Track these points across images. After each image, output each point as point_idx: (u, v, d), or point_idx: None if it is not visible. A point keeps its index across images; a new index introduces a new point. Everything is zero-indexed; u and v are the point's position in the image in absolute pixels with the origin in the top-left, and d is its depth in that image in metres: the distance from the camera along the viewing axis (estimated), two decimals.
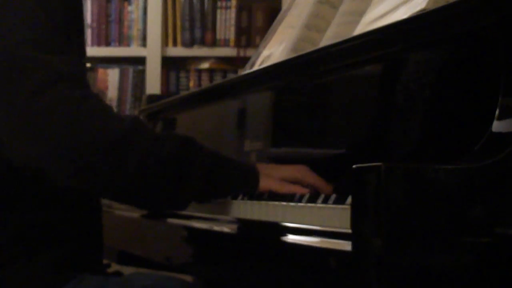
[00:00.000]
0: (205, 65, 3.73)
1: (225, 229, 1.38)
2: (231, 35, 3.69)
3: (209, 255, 1.47)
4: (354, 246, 0.97)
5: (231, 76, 3.57)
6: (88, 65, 3.71)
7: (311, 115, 1.50)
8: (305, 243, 1.12)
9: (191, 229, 1.51)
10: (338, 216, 1.10)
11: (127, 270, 1.76)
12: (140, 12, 3.74)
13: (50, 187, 1.32)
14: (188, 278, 1.86)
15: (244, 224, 1.34)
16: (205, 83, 3.71)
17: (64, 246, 1.38)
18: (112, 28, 3.78)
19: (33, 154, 1.26)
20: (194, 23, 3.72)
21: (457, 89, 1.14)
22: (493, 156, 0.98)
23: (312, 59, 1.49)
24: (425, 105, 1.21)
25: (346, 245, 0.99)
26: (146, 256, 1.83)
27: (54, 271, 1.36)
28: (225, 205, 1.43)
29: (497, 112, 1.03)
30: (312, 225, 1.14)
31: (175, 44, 3.72)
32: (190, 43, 3.71)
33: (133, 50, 3.76)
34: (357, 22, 1.53)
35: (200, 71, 3.74)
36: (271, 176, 1.38)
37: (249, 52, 3.53)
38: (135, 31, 3.75)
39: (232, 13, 3.70)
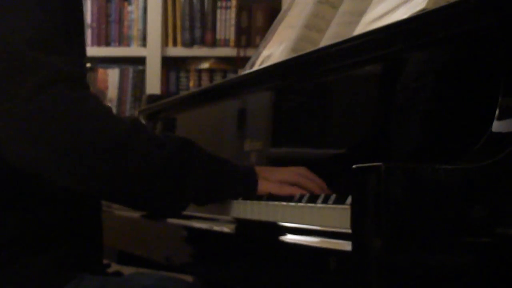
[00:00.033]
0: (205, 65, 3.73)
1: (225, 229, 1.38)
2: (231, 35, 3.69)
3: (209, 255, 1.47)
4: (354, 246, 0.97)
5: (231, 76, 3.57)
6: (88, 65, 3.71)
7: (311, 115, 1.50)
8: (305, 243, 1.12)
9: (191, 229, 1.51)
10: (338, 216, 1.10)
11: (127, 270, 1.76)
12: (140, 12, 3.74)
13: (50, 187, 1.32)
14: (188, 278, 1.86)
15: (244, 224, 1.34)
16: (205, 83, 3.71)
17: (64, 246, 1.38)
18: (112, 28, 3.78)
19: (32, 155, 1.26)
20: (194, 23, 3.72)
21: (457, 89, 1.14)
22: (493, 156, 0.98)
23: (312, 59, 1.49)
24: (425, 105, 1.21)
25: (346, 245, 0.99)
26: (146, 256, 1.83)
27: (54, 271, 1.36)
28: (225, 205, 1.43)
29: (497, 112, 1.03)
30: (312, 225, 1.14)
31: (175, 44, 3.72)
32: (190, 43, 3.71)
33: (133, 50, 3.75)
34: (357, 22, 1.53)
35: (200, 71, 3.74)
36: (270, 179, 1.38)
37: (249, 52, 3.53)
38: (135, 31, 3.75)
39: (232, 13, 3.70)
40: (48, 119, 1.23)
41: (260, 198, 1.37)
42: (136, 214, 1.78)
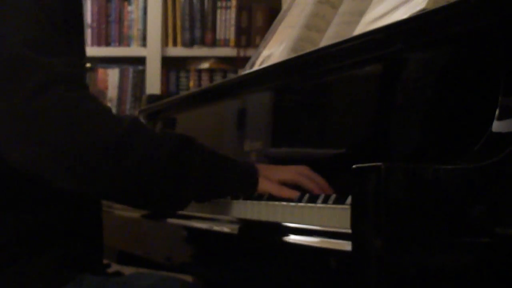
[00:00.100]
0: (205, 65, 3.73)
1: (225, 229, 1.38)
2: (231, 35, 3.69)
3: (209, 255, 1.47)
4: (354, 246, 0.97)
5: (231, 76, 3.57)
6: (88, 65, 3.71)
7: (311, 115, 1.50)
8: (305, 243, 1.12)
9: (191, 229, 1.51)
10: (338, 216, 1.10)
11: (127, 270, 1.76)
12: (140, 12, 3.74)
13: (50, 187, 1.32)
14: (188, 278, 1.86)
15: (244, 224, 1.34)
16: (205, 83, 3.71)
17: (64, 246, 1.38)
18: (112, 28, 3.78)
19: (32, 157, 1.26)
20: (194, 23, 3.72)
21: (457, 89, 1.14)
22: (493, 156, 0.98)
23: (312, 59, 1.49)
24: (425, 105, 1.21)
25: (346, 245, 0.99)
26: (146, 256, 1.83)
27: (54, 272, 1.36)
28: (225, 205, 1.43)
29: (497, 112, 1.03)
30: (312, 225, 1.14)
31: (175, 44, 3.72)
32: (190, 43, 3.71)
33: (133, 50, 3.75)
34: (357, 22, 1.53)
35: (200, 71, 3.74)
36: (270, 179, 1.37)
37: (249, 52, 3.53)
38: (135, 31, 3.75)
39: (232, 13, 3.70)
40: (47, 120, 1.23)
41: (260, 198, 1.37)
42: (136, 214, 1.78)
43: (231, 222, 1.38)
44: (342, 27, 1.58)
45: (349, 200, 1.13)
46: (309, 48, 1.63)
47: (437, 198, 0.95)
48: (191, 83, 3.72)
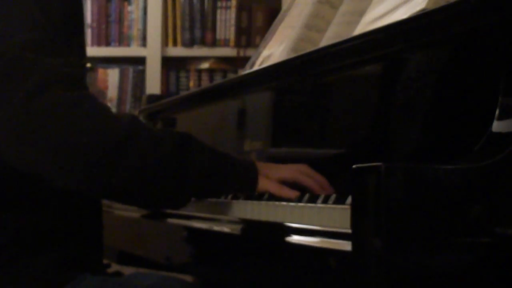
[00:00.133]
0: (205, 65, 3.73)
1: (225, 229, 1.38)
2: (231, 35, 3.69)
3: (209, 255, 1.47)
4: (354, 246, 0.97)
5: (231, 76, 3.57)
6: (88, 65, 3.71)
7: (311, 115, 1.50)
8: (305, 243, 1.12)
9: (191, 229, 1.51)
10: (338, 216, 1.10)
11: (127, 270, 1.76)
12: (140, 12, 3.74)
13: (50, 187, 1.32)
14: (188, 278, 1.86)
15: (244, 224, 1.34)
16: (205, 83, 3.71)
17: (64, 246, 1.38)
18: (112, 28, 3.78)
19: (31, 157, 1.26)
20: (194, 23, 3.72)
21: (457, 89, 1.14)
22: (493, 156, 0.98)
23: (312, 59, 1.49)
24: (425, 105, 1.21)
25: (346, 245, 0.99)
26: (146, 256, 1.83)
27: (54, 271, 1.36)
28: (225, 205, 1.43)
29: (497, 112, 1.03)
30: (312, 225, 1.14)
31: (175, 44, 3.72)
32: (190, 43, 3.71)
33: (133, 50, 3.76)
34: (357, 22, 1.53)
35: (200, 71, 3.74)
36: (270, 177, 1.37)
37: (249, 52, 3.53)
38: (135, 31, 3.75)
39: (232, 13, 3.70)
40: (46, 121, 1.23)
41: (260, 198, 1.37)
42: (136, 214, 1.78)
43: (231, 222, 1.38)
44: (342, 27, 1.58)
45: (349, 200, 1.13)
46: (309, 48, 1.63)
47: (437, 198, 0.95)
48: (191, 83, 3.72)
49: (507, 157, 0.98)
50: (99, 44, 3.76)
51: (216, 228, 1.42)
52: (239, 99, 1.77)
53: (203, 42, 3.71)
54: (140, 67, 3.75)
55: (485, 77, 1.09)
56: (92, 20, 3.77)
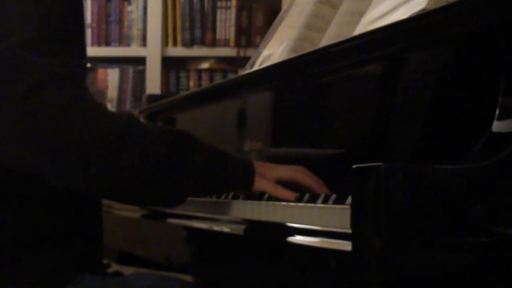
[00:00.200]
0: (205, 65, 3.73)
1: (225, 229, 1.38)
2: (231, 35, 3.70)
3: (209, 255, 1.47)
4: (354, 246, 0.97)
5: (231, 76, 3.57)
6: (88, 65, 3.70)
7: (311, 115, 1.50)
8: (305, 243, 1.12)
9: (191, 229, 1.51)
10: (338, 216, 1.10)
11: (127, 270, 1.76)
12: (140, 12, 3.74)
13: (50, 187, 1.32)
14: (188, 278, 1.86)
15: (244, 224, 1.34)
16: (205, 83, 3.71)
17: (64, 246, 1.38)
18: (112, 28, 3.78)
19: (28, 157, 1.26)
20: (194, 23, 3.72)
21: (457, 89, 1.14)
22: (493, 156, 0.98)
23: (312, 59, 1.49)
24: (425, 105, 1.21)
25: (346, 245, 0.99)
26: (146, 256, 1.83)
27: (54, 271, 1.36)
28: (225, 205, 1.43)
29: (497, 112, 1.03)
30: (312, 225, 1.14)
31: (175, 44, 3.72)
32: (190, 43, 3.71)
33: (133, 50, 3.76)
34: (357, 22, 1.53)
35: (200, 71, 3.74)
36: (267, 177, 1.37)
37: (249, 52, 3.53)
38: (135, 31, 3.75)
39: (232, 13, 3.70)
40: (42, 120, 1.23)
41: (260, 198, 1.37)
42: (136, 214, 1.78)
43: (231, 222, 1.38)
44: (342, 27, 1.58)
45: (349, 200, 1.13)
46: (309, 48, 1.63)
47: (437, 198, 0.95)
48: (191, 83, 3.73)
49: (507, 157, 0.98)
50: (99, 44, 3.76)
51: (216, 228, 1.42)
52: (239, 99, 1.77)
53: (203, 42, 3.71)
54: (140, 67, 3.75)
55: (485, 77, 1.09)
56: (92, 20, 3.77)
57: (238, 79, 1.88)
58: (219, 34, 3.71)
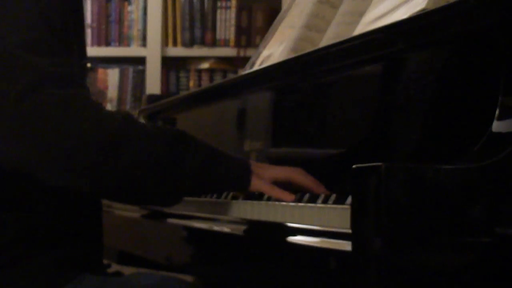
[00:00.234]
0: (205, 65, 3.73)
1: (225, 229, 1.38)
2: (231, 35, 3.70)
3: (209, 255, 1.47)
4: (354, 246, 0.97)
5: (231, 76, 3.57)
6: (88, 65, 3.71)
7: (311, 115, 1.50)
8: (305, 243, 1.12)
9: (191, 229, 1.51)
10: (338, 216, 1.10)
11: (127, 270, 1.76)
12: (140, 12, 3.74)
13: (50, 187, 1.32)
14: (188, 278, 1.86)
15: (244, 224, 1.34)
16: (205, 83, 3.71)
17: (64, 246, 1.38)
18: (112, 28, 3.78)
19: (24, 156, 1.26)
20: (194, 23, 3.72)
21: (457, 89, 1.14)
22: (493, 156, 0.98)
23: (312, 59, 1.49)
24: (425, 105, 1.21)
25: (346, 245, 0.99)
26: (146, 256, 1.83)
27: (54, 271, 1.36)
28: (225, 205, 1.43)
29: (497, 112, 1.03)
30: (312, 225, 1.14)
31: (175, 44, 3.72)
32: (190, 43, 3.71)
33: (133, 50, 3.76)
34: (357, 22, 1.53)
35: (200, 71, 3.74)
36: (263, 177, 1.37)
37: (249, 52, 3.53)
38: (135, 31, 3.75)
39: (232, 13, 3.70)
40: (38, 119, 1.23)
41: (260, 198, 1.37)
42: (136, 214, 1.78)
43: (231, 222, 1.38)
44: (342, 27, 1.58)
45: (349, 200, 1.13)
46: (309, 48, 1.63)
47: (437, 198, 0.95)
48: (191, 83, 3.73)
49: (507, 157, 0.98)
50: (99, 44, 3.76)
51: (216, 228, 1.42)
52: (239, 99, 1.77)
53: (203, 42, 3.71)
54: (140, 67, 3.75)
55: (485, 77, 1.09)
56: (92, 20, 3.77)
57: (238, 79, 1.88)
58: (219, 34, 3.71)
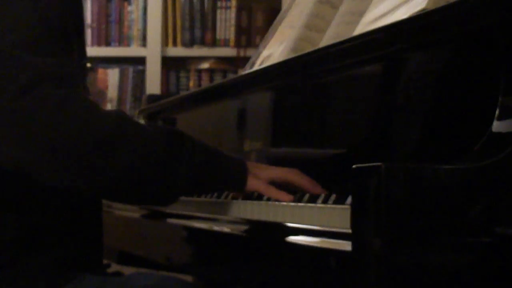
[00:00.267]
0: (205, 65, 3.73)
1: (225, 229, 1.38)
2: (231, 35, 3.70)
3: (209, 255, 1.47)
4: (354, 246, 0.97)
5: (231, 76, 3.57)
6: (88, 65, 3.71)
7: (311, 115, 1.50)
8: (305, 243, 1.12)
9: (191, 229, 1.51)
10: (338, 216, 1.10)
11: (127, 270, 1.76)
12: (140, 12, 3.74)
13: (50, 187, 1.32)
14: (188, 278, 1.86)
15: (244, 224, 1.34)
16: (205, 83, 3.71)
17: (64, 246, 1.38)
18: (112, 28, 3.78)
19: (18, 156, 1.25)
20: (194, 23, 3.72)
21: (457, 89, 1.14)
22: (493, 156, 0.98)
23: (312, 59, 1.49)
24: (425, 105, 1.21)
25: (346, 245, 0.99)
26: (146, 256, 1.83)
27: (54, 271, 1.36)
28: (225, 205, 1.43)
29: (497, 112, 1.03)
30: (312, 225, 1.14)
31: (175, 44, 3.72)
32: (190, 43, 3.71)
33: (133, 50, 3.76)
34: (357, 22, 1.53)
35: (200, 71, 3.74)
36: (259, 177, 1.37)
37: (249, 52, 3.53)
38: (135, 31, 3.75)
39: (232, 13, 3.70)
40: (33, 119, 1.23)
41: (260, 198, 1.37)
42: (136, 214, 1.78)
43: (231, 222, 1.38)
44: (342, 27, 1.58)
45: (349, 200, 1.13)
46: (309, 48, 1.63)
47: (437, 198, 0.95)
48: (191, 83, 3.73)
49: (507, 157, 0.98)
50: (99, 44, 3.76)
51: (216, 228, 1.42)
52: (239, 99, 1.77)
53: (203, 42, 3.71)
54: (140, 67, 3.75)
55: (485, 77, 1.09)
56: (92, 20, 3.77)
57: (238, 79, 1.88)
58: (219, 34, 3.71)
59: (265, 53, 1.92)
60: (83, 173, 1.27)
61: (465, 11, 1.12)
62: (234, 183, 1.37)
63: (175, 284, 1.47)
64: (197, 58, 3.74)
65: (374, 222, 0.94)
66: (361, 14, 1.53)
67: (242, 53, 3.66)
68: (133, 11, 3.76)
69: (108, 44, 3.77)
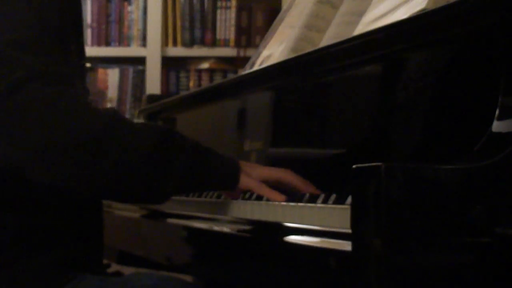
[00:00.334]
0: (205, 65, 3.73)
1: (225, 229, 1.38)
2: (231, 35, 3.70)
3: (209, 255, 1.47)
4: (354, 246, 0.97)
5: (231, 76, 3.57)
6: (88, 65, 3.71)
7: (311, 115, 1.50)
8: (305, 243, 1.12)
9: (191, 229, 1.51)
10: (338, 216, 1.10)
11: (127, 270, 1.76)
12: (140, 12, 3.74)
13: (50, 187, 1.32)
14: (188, 278, 1.86)
15: (244, 224, 1.34)
16: (205, 83, 3.71)
17: (65, 246, 1.38)
18: (112, 28, 3.78)
19: (10, 155, 1.25)
20: (194, 23, 3.72)
21: (457, 89, 1.14)
22: (493, 156, 0.98)
23: (312, 59, 1.49)
24: (425, 105, 1.21)
25: (346, 245, 0.99)
26: (146, 256, 1.83)
27: (54, 271, 1.36)
28: (225, 205, 1.43)
29: (497, 112, 1.03)
30: (312, 225, 1.14)
31: (175, 44, 3.72)
32: (190, 43, 3.71)
33: (133, 50, 3.75)
34: (357, 22, 1.53)
35: (200, 71, 3.74)
36: (252, 175, 1.37)
37: (249, 52, 3.53)
38: (135, 31, 3.75)
39: (232, 13, 3.70)
40: (22, 117, 1.23)
41: (260, 198, 1.37)
42: (136, 214, 1.78)
43: (231, 222, 1.38)
44: (342, 27, 1.58)
45: (349, 200, 1.13)
46: (309, 48, 1.63)
47: (437, 198, 0.95)
48: (191, 83, 3.73)
49: (507, 157, 0.98)
50: (99, 44, 3.76)
51: (216, 228, 1.42)
52: (239, 99, 1.77)
53: (203, 42, 3.71)
54: (140, 67, 3.75)
55: (485, 77, 1.09)
56: (92, 20, 3.77)
57: (238, 79, 1.88)
58: (219, 34, 3.71)
59: (265, 53, 1.92)
60: (74, 171, 1.26)
61: (465, 11, 1.12)
62: (227, 181, 1.37)
63: (175, 284, 1.47)
64: (197, 58, 3.74)
65: (374, 222, 0.94)
66: (361, 14, 1.53)
67: (242, 53, 3.66)
68: (133, 11, 3.76)
69: (108, 44, 3.77)
